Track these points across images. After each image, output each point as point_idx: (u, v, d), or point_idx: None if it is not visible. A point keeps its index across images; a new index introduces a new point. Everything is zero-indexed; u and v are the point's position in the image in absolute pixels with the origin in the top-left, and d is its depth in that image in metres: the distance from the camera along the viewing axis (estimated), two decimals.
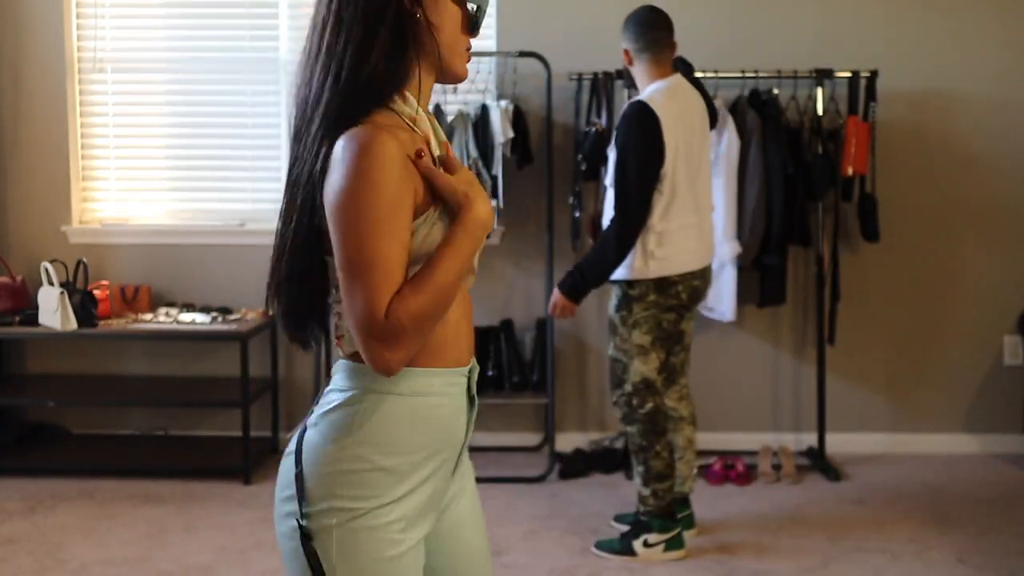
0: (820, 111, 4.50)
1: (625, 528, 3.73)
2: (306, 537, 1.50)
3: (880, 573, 3.48)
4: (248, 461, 4.38)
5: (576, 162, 4.55)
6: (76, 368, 4.91)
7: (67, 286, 4.50)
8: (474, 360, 1.65)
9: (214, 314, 4.61)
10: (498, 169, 4.44)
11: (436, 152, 1.57)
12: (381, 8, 1.51)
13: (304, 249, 1.53)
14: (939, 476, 4.47)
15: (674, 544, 3.58)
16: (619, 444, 4.63)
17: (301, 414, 4.65)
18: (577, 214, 4.58)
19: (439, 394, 1.57)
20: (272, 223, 1.70)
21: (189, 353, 4.88)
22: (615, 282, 3.56)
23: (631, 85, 3.78)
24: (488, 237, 1.71)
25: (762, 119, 4.43)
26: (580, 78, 4.59)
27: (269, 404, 4.79)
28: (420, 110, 1.57)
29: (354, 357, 1.56)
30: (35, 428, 4.84)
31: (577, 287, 3.53)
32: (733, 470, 4.42)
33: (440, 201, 1.52)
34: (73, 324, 4.43)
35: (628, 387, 3.55)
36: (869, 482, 4.40)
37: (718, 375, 4.79)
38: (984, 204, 4.76)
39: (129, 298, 4.74)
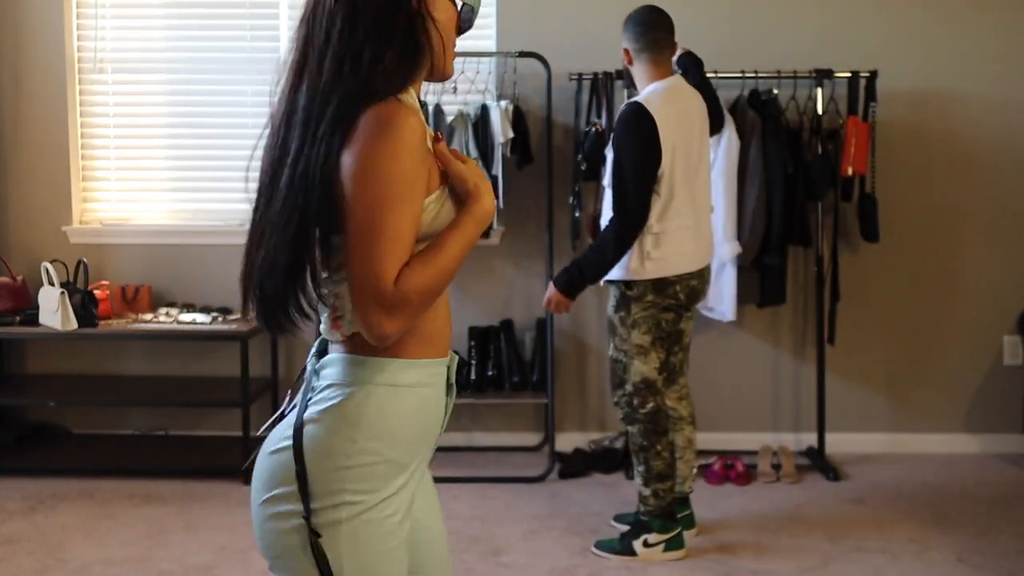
0: (820, 111, 4.51)
1: (625, 528, 3.73)
2: (314, 534, 1.50)
3: (880, 573, 3.48)
4: (248, 461, 4.37)
5: (576, 162, 4.55)
6: (76, 368, 4.91)
7: (67, 286, 4.50)
8: (452, 351, 1.68)
9: (214, 314, 4.61)
10: (498, 169, 4.45)
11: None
12: (396, 3, 1.54)
13: (300, 226, 1.50)
14: (939, 476, 4.47)
15: (674, 544, 3.58)
16: (619, 444, 4.63)
17: None
18: (577, 214, 4.58)
19: (430, 384, 1.60)
20: None
21: (189, 353, 4.88)
22: (613, 282, 3.56)
23: (631, 85, 3.78)
24: (487, 236, 1.73)
25: (762, 119, 4.43)
26: (580, 78, 4.59)
27: (269, 404, 4.79)
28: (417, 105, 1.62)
29: (351, 348, 1.56)
30: (35, 428, 4.85)
31: (573, 283, 3.54)
32: (733, 470, 4.42)
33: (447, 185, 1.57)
34: (73, 324, 4.43)
35: (629, 387, 3.55)
36: (869, 482, 4.40)
37: (718, 375, 4.79)
38: (984, 204, 4.76)
39: (129, 298, 4.75)
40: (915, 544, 3.71)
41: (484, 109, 4.48)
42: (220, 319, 4.60)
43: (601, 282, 3.67)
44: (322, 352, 1.64)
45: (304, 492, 1.51)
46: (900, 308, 4.80)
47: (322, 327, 1.63)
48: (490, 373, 4.67)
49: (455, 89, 4.53)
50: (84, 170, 4.98)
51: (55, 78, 4.85)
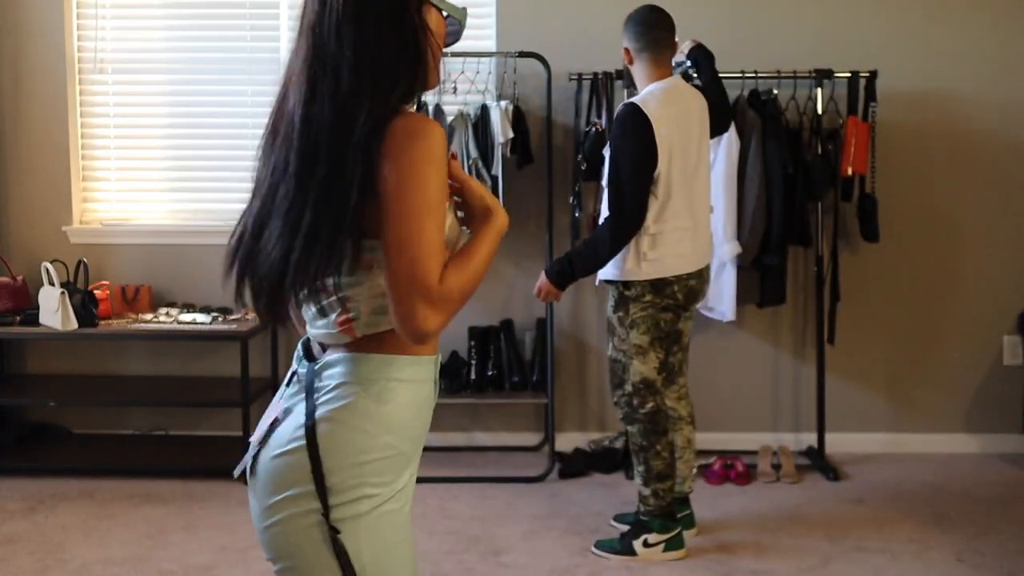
0: (820, 111, 4.51)
1: (625, 528, 3.74)
2: (333, 531, 1.54)
3: (880, 573, 3.48)
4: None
5: (576, 162, 4.55)
6: (76, 368, 4.92)
7: (68, 286, 4.50)
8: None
9: (214, 314, 4.61)
10: (498, 169, 4.45)
11: None
12: (402, 12, 1.59)
13: (334, 231, 1.53)
14: (938, 476, 4.47)
15: (674, 544, 3.58)
16: (619, 444, 4.64)
17: None
18: (577, 214, 4.58)
19: (428, 380, 1.67)
20: None
21: (189, 353, 4.88)
22: (611, 283, 3.56)
23: (631, 85, 3.78)
24: None
25: (762, 119, 4.43)
26: (580, 78, 4.59)
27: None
28: None
29: (357, 347, 1.60)
30: (36, 428, 4.85)
31: (564, 275, 3.56)
32: (733, 470, 4.42)
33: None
34: (74, 324, 4.44)
35: (628, 387, 3.55)
36: (869, 482, 4.40)
37: (718, 375, 4.79)
38: (984, 204, 4.76)
39: (129, 298, 4.75)
40: (915, 544, 3.71)
41: (484, 109, 4.48)
42: (220, 319, 4.60)
43: (598, 282, 3.68)
44: (307, 354, 1.68)
45: (322, 490, 1.54)
46: (900, 308, 4.80)
47: (319, 330, 1.65)
48: (490, 373, 4.67)
49: (455, 89, 4.53)
50: (84, 170, 4.99)
51: (55, 78, 4.86)
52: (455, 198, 1.67)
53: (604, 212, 3.56)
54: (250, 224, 1.62)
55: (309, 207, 1.54)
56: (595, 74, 4.54)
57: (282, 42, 4.88)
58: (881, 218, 4.58)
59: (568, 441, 4.79)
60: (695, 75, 3.84)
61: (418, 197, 1.51)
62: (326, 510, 1.54)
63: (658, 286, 3.48)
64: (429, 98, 4.50)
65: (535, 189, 4.67)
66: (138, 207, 5.00)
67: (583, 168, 4.46)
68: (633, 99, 3.48)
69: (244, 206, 1.68)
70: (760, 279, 4.54)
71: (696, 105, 3.59)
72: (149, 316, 4.66)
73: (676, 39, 3.59)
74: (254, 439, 1.66)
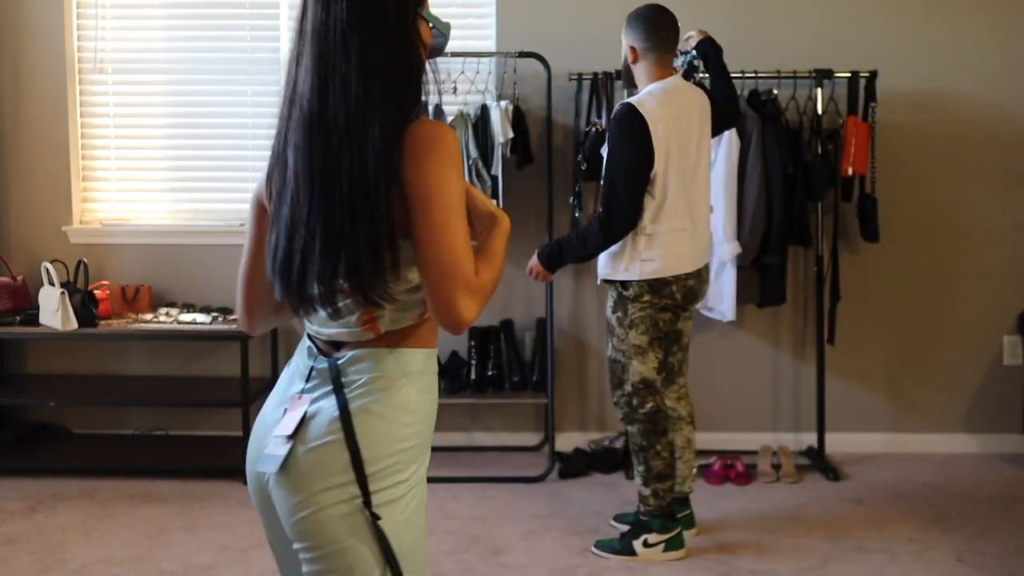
0: (820, 111, 4.51)
1: (625, 528, 3.74)
2: (375, 516, 1.63)
3: (880, 573, 3.48)
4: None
5: (576, 162, 4.55)
6: (76, 368, 4.92)
7: (68, 286, 4.50)
8: None
9: (214, 314, 4.61)
10: (498, 169, 4.45)
11: None
12: (403, 22, 1.66)
13: (369, 234, 1.60)
14: (938, 476, 4.47)
15: (674, 544, 3.58)
16: (619, 444, 4.64)
17: None
18: (577, 214, 4.58)
19: (436, 370, 1.78)
20: None
21: (189, 353, 4.88)
22: (610, 283, 3.57)
23: (630, 85, 3.76)
24: None
25: (762, 119, 4.43)
26: (580, 78, 4.59)
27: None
28: None
29: (381, 343, 1.68)
30: (36, 428, 4.85)
31: (552, 258, 3.62)
32: (733, 470, 4.42)
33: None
34: (74, 324, 4.44)
35: (628, 387, 3.55)
36: (869, 482, 4.40)
37: (718, 375, 4.79)
38: (984, 204, 4.76)
39: (129, 298, 4.75)
40: (915, 544, 3.71)
41: (484, 109, 4.48)
42: (220, 319, 4.60)
43: (599, 281, 3.68)
44: (320, 350, 1.74)
45: (362, 478, 1.62)
46: (900, 308, 4.80)
47: (332, 329, 1.70)
48: (490, 373, 4.67)
49: (455, 89, 4.53)
50: (84, 170, 4.99)
51: (55, 78, 4.86)
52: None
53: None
54: (283, 236, 1.67)
55: (341, 217, 1.60)
56: (595, 74, 4.54)
57: (282, 42, 4.88)
58: (881, 218, 4.58)
59: (568, 441, 4.79)
60: (698, 65, 3.83)
61: (449, 196, 1.60)
62: (367, 497, 1.62)
63: (656, 286, 3.48)
64: (429, 98, 4.48)
65: (535, 189, 4.67)
66: (138, 207, 5.00)
67: (583, 168, 4.46)
68: (630, 99, 3.47)
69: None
70: (760, 279, 4.54)
71: (696, 105, 3.57)
72: (149, 316, 4.66)
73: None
74: (285, 433, 1.69)
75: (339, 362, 1.68)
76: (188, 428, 4.94)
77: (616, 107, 3.54)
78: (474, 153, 4.42)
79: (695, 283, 3.55)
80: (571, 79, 4.59)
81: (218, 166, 4.97)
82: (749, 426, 4.81)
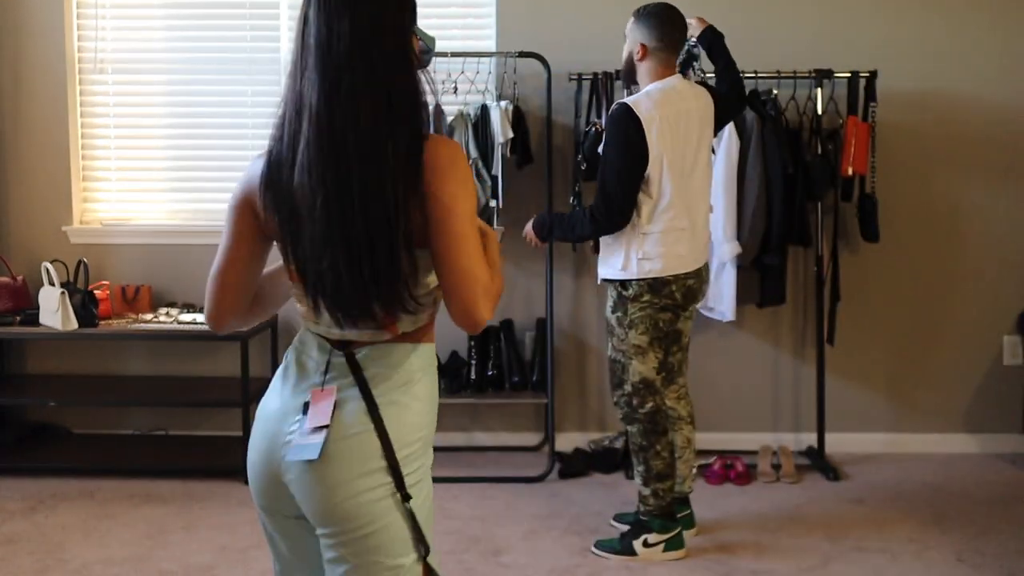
0: (820, 111, 4.51)
1: (625, 528, 3.74)
2: (407, 498, 1.77)
3: (880, 573, 3.48)
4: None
5: (576, 162, 4.55)
6: (76, 368, 4.92)
7: (68, 286, 4.50)
8: None
9: None
10: (498, 169, 4.45)
11: None
12: (404, 37, 1.74)
13: (391, 243, 1.69)
14: (938, 476, 4.47)
15: (674, 544, 3.58)
16: (619, 444, 4.64)
17: None
18: None
19: (436, 362, 1.92)
20: None
21: (189, 353, 4.88)
22: (610, 282, 3.57)
23: (629, 84, 3.75)
24: None
25: (762, 119, 4.43)
26: (580, 78, 4.59)
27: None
28: None
29: (397, 339, 1.79)
30: (36, 428, 4.85)
31: (543, 228, 3.70)
32: (733, 470, 4.42)
33: None
34: (74, 324, 4.44)
35: (628, 387, 3.55)
36: (869, 482, 4.40)
37: (718, 375, 4.79)
38: (983, 204, 4.76)
39: (130, 298, 4.75)
40: (915, 544, 3.71)
41: (484, 109, 4.48)
42: None
43: (599, 281, 3.68)
44: (333, 345, 1.83)
45: (394, 463, 1.75)
46: (900, 308, 4.80)
47: (345, 328, 1.78)
48: (490, 373, 4.67)
49: (455, 89, 4.53)
50: (84, 170, 4.99)
51: (55, 78, 4.86)
52: None
53: None
54: (309, 250, 1.72)
55: (362, 231, 1.68)
56: (595, 74, 4.54)
57: (282, 42, 4.88)
58: (881, 218, 4.58)
59: (568, 441, 4.79)
60: (698, 54, 3.83)
61: (468, 208, 1.74)
62: (400, 481, 1.76)
63: (656, 286, 3.48)
64: (428, 98, 4.48)
65: (535, 189, 4.67)
66: (138, 207, 5.00)
67: (583, 168, 4.45)
68: (626, 99, 3.47)
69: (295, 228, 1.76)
70: (760, 279, 4.54)
71: (696, 104, 3.56)
72: (149, 316, 4.66)
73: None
74: (320, 423, 1.76)
75: (359, 356, 1.79)
76: (188, 428, 4.94)
77: (613, 106, 3.54)
78: (474, 153, 4.42)
79: (695, 283, 3.55)
80: (571, 79, 4.59)
81: (218, 166, 4.97)
82: (749, 426, 4.81)
